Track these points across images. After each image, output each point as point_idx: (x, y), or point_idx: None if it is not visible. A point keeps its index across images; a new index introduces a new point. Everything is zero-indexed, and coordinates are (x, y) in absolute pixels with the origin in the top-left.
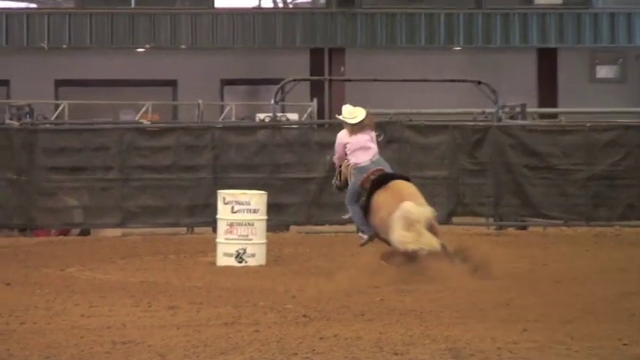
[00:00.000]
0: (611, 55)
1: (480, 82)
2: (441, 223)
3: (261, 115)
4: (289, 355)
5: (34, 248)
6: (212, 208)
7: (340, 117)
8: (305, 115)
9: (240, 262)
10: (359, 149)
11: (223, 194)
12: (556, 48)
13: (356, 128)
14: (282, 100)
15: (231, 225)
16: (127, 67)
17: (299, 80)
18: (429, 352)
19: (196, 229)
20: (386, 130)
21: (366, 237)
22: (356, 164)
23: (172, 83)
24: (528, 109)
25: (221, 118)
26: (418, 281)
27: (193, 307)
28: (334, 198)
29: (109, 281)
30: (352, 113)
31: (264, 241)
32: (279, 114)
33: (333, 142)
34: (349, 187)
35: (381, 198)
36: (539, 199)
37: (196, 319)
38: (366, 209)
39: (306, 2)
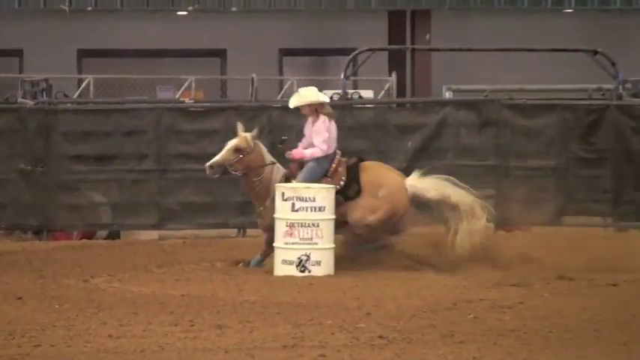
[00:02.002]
0: None
1: (595, 52)
2: (548, 224)
3: (328, 93)
4: None
5: (52, 254)
6: None
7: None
8: (382, 93)
9: (303, 271)
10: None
11: (282, 188)
12: None
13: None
14: (355, 74)
15: (291, 226)
16: (165, 35)
17: (375, 50)
18: None
19: (249, 231)
20: (481, 110)
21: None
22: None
23: (220, 53)
24: None
25: (279, 95)
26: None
27: (245, 327)
28: None
29: (142, 295)
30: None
31: (332, 245)
32: (350, 91)
33: (416, 125)
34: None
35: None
36: None
37: (249, 341)
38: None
39: None
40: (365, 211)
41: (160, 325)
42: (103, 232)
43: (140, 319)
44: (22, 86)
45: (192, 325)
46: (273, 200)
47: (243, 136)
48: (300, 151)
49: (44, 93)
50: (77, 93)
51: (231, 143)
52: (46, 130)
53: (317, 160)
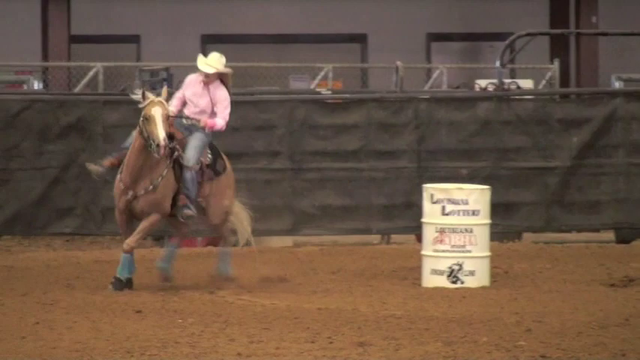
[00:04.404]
0: None
1: None
2: None
3: (482, 82)
4: None
5: (175, 263)
6: (415, 209)
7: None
8: (543, 82)
9: (455, 282)
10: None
11: (431, 190)
12: None
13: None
14: (512, 61)
15: (442, 232)
16: (298, 18)
17: (535, 34)
18: None
19: (394, 238)
20: None
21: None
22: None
23: (361, 39)
24: None
25: (427, 86)
26: None
27: (390, 344)
28: (585, 195)
29: (275, 308)
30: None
31: (488, 253)
32: (507, 80)
33: (582, 119)
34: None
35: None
36: None
37: None
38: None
39: None
40: (231, 193)
41: (295, 342)
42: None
43: (272, 335)
44: (140, 76)
45: (330, 343)
46: (168, 169)
47: (159, 101)
48: (213, 121)
49: (164, 83)
50: None
51: (159, 113)
52: None
53: (204, 131)
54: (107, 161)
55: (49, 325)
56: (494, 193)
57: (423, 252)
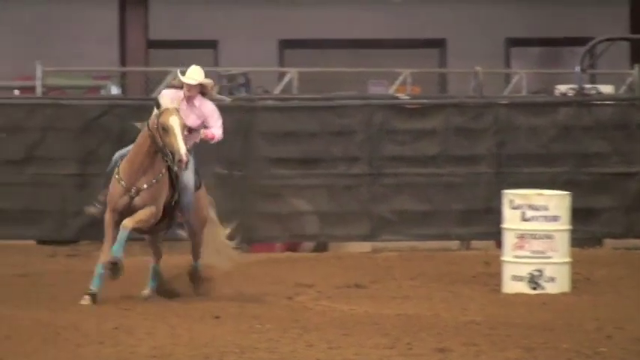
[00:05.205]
0: None
1: None
2: None
3: (562, 88)
4: None
5: (251, 269)
6: (495, 215)
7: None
8: (623, 87)
9: (535, 288)
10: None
11: (510, 195)
12: None
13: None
14: (592, 66)
15: (521, 237)
16: (376, 23)
17: (615, 40)
18: None
19: (473, 243)
20: None
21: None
22: None
23: (439, 44)
24: None
25: (507, 91)
26: None
27: (470, 350)
28: None
29: (354, 314)
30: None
31: (568, 259)
32: (587, 85)
33: None
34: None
35: None
36: None
37: None
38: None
39: None
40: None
41: (374, 348)
42: (309, 244)
43: (351, 341)
44: (218, 81)
45: (410, 349)
46: (165, 169)
47: (175, 109)
48: (212, 133)
49: (242, 88)
50: (279, 88)
51: (177, 124)
52: (244, 129)
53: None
54: (102, 196)
55: (128, 330)
56: (574, 199)
57: (503, 258)
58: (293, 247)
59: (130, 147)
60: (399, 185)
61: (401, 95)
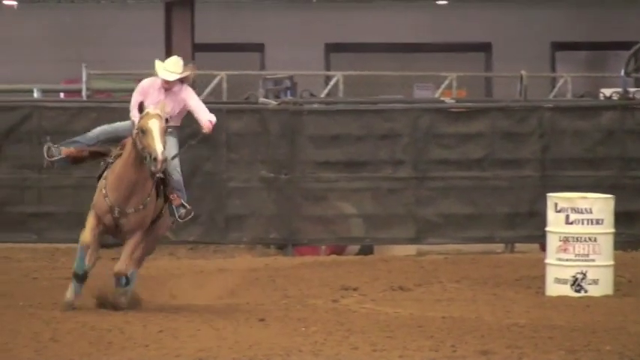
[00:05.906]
0: None
1: None
2: None
3: (607, 91)
4: None
5: (298, 271)
6: (539, 218)
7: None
8: None
9: (579, 290)
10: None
11: (555, 199)
12: None
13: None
14: (637, 70)
15: (565, 240)
16: (422, 27)
17: None
18: None
19: (518, 246)
20: None
21: None
22: None
23: (485, 47)
24: None
25: (552, 94)
26: None
27: (514, 353)
28: None
29: (399, 317)
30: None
31: (612, 262)
32: (632, 89)
33: None
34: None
35: None
36: None
37: None
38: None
39: None
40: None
41: (419, 351)
42: (355, 247)
43: (396, 343)
44: (264, 84)
45: (454, 351)
46: (153, 185)
47: (157, 114)
48: (208, 121)
49: (288, 92)
50: (325, 92)
51: (156, 127)
52: (290, 133)
53: (175, 134)
54: (66, 150)
55: (173, 333)
56: (617, 202)
57: (547, 261)
58: (338, 250)
59: (117, 124)
60: (445, 188)
61: (446, 99)
